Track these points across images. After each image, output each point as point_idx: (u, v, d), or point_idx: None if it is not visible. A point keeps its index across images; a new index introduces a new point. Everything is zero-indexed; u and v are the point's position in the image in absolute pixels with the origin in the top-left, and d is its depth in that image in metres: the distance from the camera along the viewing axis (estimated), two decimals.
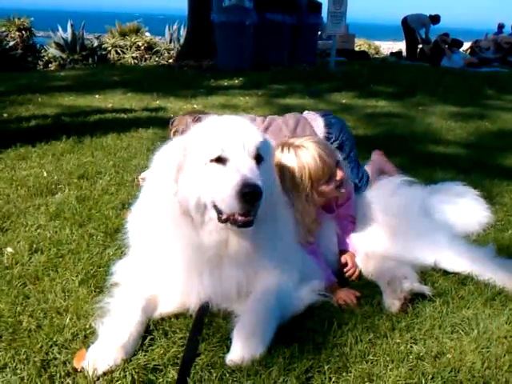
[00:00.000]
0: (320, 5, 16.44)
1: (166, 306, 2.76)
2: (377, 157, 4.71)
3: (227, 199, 2.50)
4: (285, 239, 2.92)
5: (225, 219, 2.60)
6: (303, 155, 3.06)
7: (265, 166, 2.72)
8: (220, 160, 2.59)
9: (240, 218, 2.55)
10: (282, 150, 3.11)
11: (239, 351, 2.41)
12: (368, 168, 4.37)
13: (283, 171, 3.03)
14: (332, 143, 3.91)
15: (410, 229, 3.45)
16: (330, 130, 4.05)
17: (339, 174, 3.17)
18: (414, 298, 2.97)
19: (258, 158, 2.67)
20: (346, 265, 3.34)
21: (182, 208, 2.65)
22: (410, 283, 3.00)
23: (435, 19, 19.87)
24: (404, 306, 2.88)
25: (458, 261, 3.32)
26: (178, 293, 2.75)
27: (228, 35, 13.69)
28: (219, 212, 2.60)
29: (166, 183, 2.67)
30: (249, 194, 2.46)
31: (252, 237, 2.71)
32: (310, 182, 3.07)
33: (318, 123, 4.06)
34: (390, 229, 3.45)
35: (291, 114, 4.33)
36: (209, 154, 2.60)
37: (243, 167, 2.55)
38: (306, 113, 4.34)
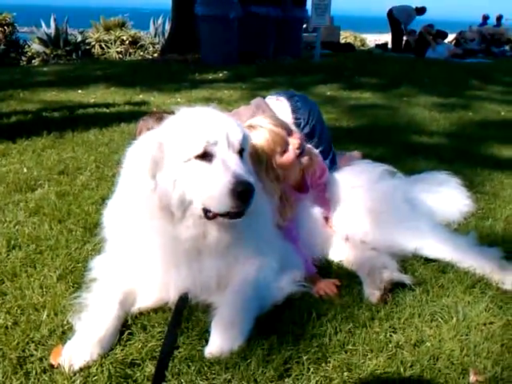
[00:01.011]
0: None
1: (145, 300, 2.73)
2: (354, 155, 4.65)
3: (219, 198, 2.47)
4: (264, 228, 2.90)
5: (212, 215, 2.57)
6: (254, 133, 3.05)
7: (245, 158, 2.72)
8: (205, 156, 2.55)
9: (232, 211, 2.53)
10: None
11: (217, 343, 2.40)
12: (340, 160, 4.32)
13: None
14: (302, 129, 3.87)
15: (392, 215, 3.46)
16: (297, 115, 3.97)
17: (295, 142, 3.16)
18: (394, 287, 2.97)
19: (241, 152, 2.67)
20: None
21: (160, 203, 2.60)
22: (390, 273, 3.00)
23: (421, 10, 19.91)
24: (384, 295, 2.88)
25: (439, 248, 3.33)
26: (156, 286, 2.73)
27: (212, 28, 13.60)
28: (207, 210, 2.58)
29: (141, 179, 2.60)
30: (243, 192, 2.45)
31: (231, 228, 2.68)
32: (266, 156, 3.05)
33: (283, 108, 3.98)
34: (371, 214, 3.45)
35: (255, 100, 4.19)
36: (193, 149, 2.54)
37: (231, 164, 2.53)
38: (269, 96, 4.22)
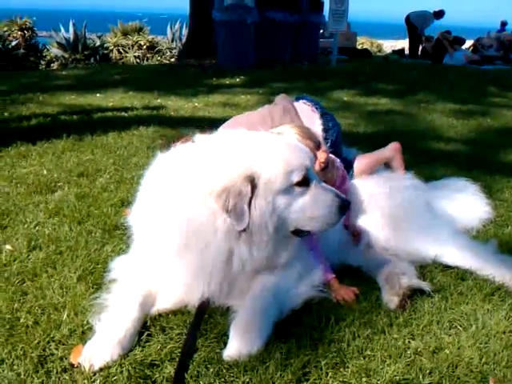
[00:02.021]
0: (322, 3, 16.50)
1: (165, 302, 2.74)
2: (390, 150, 4.39)
3: (328, 216, 2.72)
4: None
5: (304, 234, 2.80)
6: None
7: None
8: (304, 182, 2.66)
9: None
10: None
11: (236, 346, 2.41)
12: (370, 156, 4.15)
13: None
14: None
15: (412, 222, 3.47)
16: (327, 134, 3.96)
17: (322, 156, 3.19)
18: (413, 293, 2.95)
19: None
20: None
21: (250, 230, 2.59)
22: (409, 279, 2.99)
23: (439, 14, 19.76)
24: (402, 302, 2.87)
25: (459, 255, 3.32)
26: (180, 289, 2.73)
27: (229, 34, 13.69)
28: (299, 230, 2.75)
29: (212, 211, 2.55)
30: (345, 208, 2.78)
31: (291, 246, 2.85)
32: None
33: (315, 124, 3.96)
34: (392, 221, 3.45)
35: (281, 100, 4.11)
36: (293, 178, 2.62)
37: (326, 185, 2.80)
38: (302, 102, 4.17)
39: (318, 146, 3.25)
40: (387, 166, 4.14)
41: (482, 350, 2.52)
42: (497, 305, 2.91)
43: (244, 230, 2.57)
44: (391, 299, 2.89)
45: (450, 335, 2.63)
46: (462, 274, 3.24)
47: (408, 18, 19.98)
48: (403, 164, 4.11)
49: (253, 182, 2.54)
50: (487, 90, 11.32)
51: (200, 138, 2.92)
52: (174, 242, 2.66)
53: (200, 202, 2.57)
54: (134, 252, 2.97)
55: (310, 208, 2.67)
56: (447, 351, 2.50)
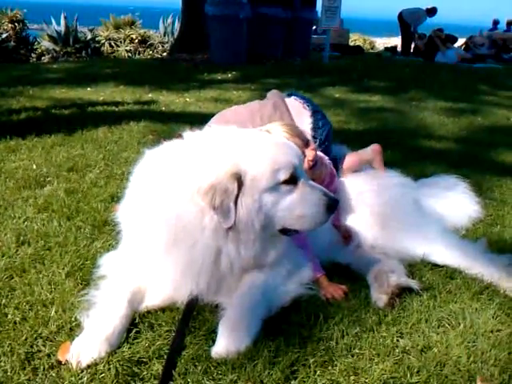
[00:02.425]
0: None
1: (154, 299, 2.73)
2: (371, 152, 4.47)
3: (316, 215, 2.69)
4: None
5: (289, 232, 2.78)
6: None
7: None
8: (291, 180, 2.64)
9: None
10: None
11: (224, 344, 2.40)
12: (354, 156, 4.19)
13: None
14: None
15: (401, 220, 3.48)
16: (315, 133, 3.93)
17: (310, 154, 3.19)
18: (402, 292, 2.96)
19: None
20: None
21: (236, 227, 2.58)
22: (397, 277, 3.00)
23: (431, 11, 19.77)
24: (391, 300, 2.88)
25: (448, 254, 3.33)
26: (169, 286, 2.72)
27: (221, 28, 13.61)
28: (286, 229, 2.73)
29: (197, 208, 2.54)
30: (334, 206, 2.74)
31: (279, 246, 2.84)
32: None
33: (304, 122, 3.94)
34: (381, 219, 3.46)
35: (272, 95, 4.12)
36: (280, 176, 2.60)
37: (314, 183, 2.78)
38: (293, 98, 4.12)
39: (306, 144, 3.26)
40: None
41: (469, 348, 2.53)
42: (485, 303, 2.92)
43: (231, 228, 2.57)
44: (380, 297, 2.90)
45: (438, 334, 2.64)
46: (451, 273, 3.25)
47: (401, 15, 20.00)
48: (383, 166, 4.12)
49: (239, 180, 2.53)
50: (478, 89, 11.36)
51: (189, 134, 2.91)
52: (161, 238, 2.64)
53: (188, 199, 2.56)
54: (122, 248, 2.95)
55: (297, 207, 2.65)
56: (435, 350, 2.51)
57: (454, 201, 4.02)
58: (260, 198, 2.58)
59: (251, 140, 2.73)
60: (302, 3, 15.58)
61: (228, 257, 2.64)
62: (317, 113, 4.03)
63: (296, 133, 3.23)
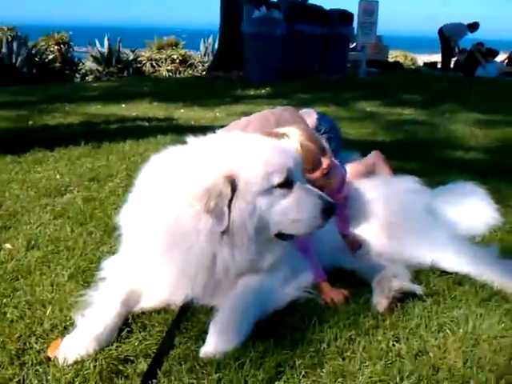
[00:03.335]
0: (352, 16, 16.41)
1: (149, 301, 2.75)
2: (373, 157, 4.44)
3: (311, 219, 2.64)
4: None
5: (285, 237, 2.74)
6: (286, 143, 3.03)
7: None
8: (286, 183, 2.62)
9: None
10: None
11: (213, 344, 2.39)
12: (358, 164, 4.17)
13: None
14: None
15: (410, 227, 3.40)
16: (320, 122, 3.97)
17: (325, 162, 3.15)
18: (405, 297, 2.88)
19: None
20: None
21: (230, 232, 2.58)
22: (400, 282, 2.92)
23: (473, 26, 19.46)
24: (391, 305, 2.80)
25: (457, 260, 3.23)
26: (164, 290, 2.73)
27: (257, 46, 13.79)
28: (282, 234, 2.71)
29: (194, 211, 2.56)
30: (330, 210, 2.66)
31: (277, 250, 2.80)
32: None
33: (311, 117, 3.98)
34: (390, 226, 3.40)
35: (285, 107, 4.21)
36: (274, 179, 2.59)
37: (309, 187, 2.72)
38: (304, 110, 4.25)
39: (323, 152, 3.22)
40: None
41: (467, 354, 2.43)
42: (491, 310, 2.81)
43: (225, 232, 2.56)
44: (380, 302, 2.82)
45: (436, 339, 2.54)
46: (460, 280, 3.14)
47: (441, 30, 19.75)
48: (388, 169, 4.07)
49: (233, 183, 2.53)
50: None
51: (191, 140, 2.94)
52: (158, 242, 2.67)
53: (184, 203, 2.58)
54: (122, 251, 2.98)
55: (291, 210, 2.62)
56: (431, 354, 2.43)
57: (471, 208, 3.89)
58: (254, 201, 2.57)
59: (247, 144, 2.74)
60: (338, 20, 15.62)
61: (223, 261, 2.63)
62: (323, 119, 4.05)
63: (312, 139, 3.21)
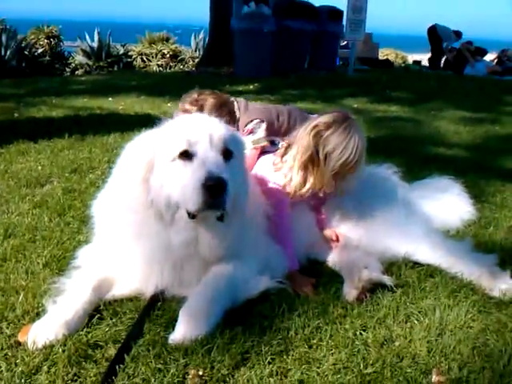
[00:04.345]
0: (341, 13, 16.42)
1: (121, 289, 2.79)
2: None
3: (192, 194, 2.49)
4: (249, 232, 2.92)
5: (193, 215, 2.59)
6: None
7: (234, 163, 2.72)
8: (187, 155, 2.59)
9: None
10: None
11: (182, 331, 2.43)
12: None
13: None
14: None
15: (385, 220, 3.41)
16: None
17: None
18: (374, 287, 2.92)
19: (227, 154, 2.67)
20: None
21: (153, 206, 2.64)
22: (369, 273, 2.96)
23: (458, 35, 19.76)
24: (361, 295, 2.85)
25: (431, 253, 3.28)
26: (135, 278, 2.78)
27: (246, 42, 13.76)
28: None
29: (134, 182, 2.67)
30: (213, 187, 2.45)
31: (222, 235, 2.71)
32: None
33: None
34: (365, 219, 3.42)
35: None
36: (176, 149, 2.59)
37: (209, 162, 2.56)
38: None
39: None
40: None
41: (432, 343, 2.48)
42: (460, 301, 2.86)
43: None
44: (350, 291, 2.87)
45: (402, 328, 2.59)
46: (432, 271, 3.19)
47: (434, 29, 19.78)
48: None
49: (151, 161, 2.63)
50: (502, 99, 11.13)
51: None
52: (127, 231, 2.75)
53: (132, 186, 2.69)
54: (96, 240, 3.01)
55: (182, 183, 2.55)
56: (396, 343, 2.48)
57: (446, 202, 3.94)
58: (161, 175, 2.61)
59: (173, 121, 2.81)
60: (327, 17, 15.64)
61: (173, 243, 2.66)
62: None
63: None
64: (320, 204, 3.49)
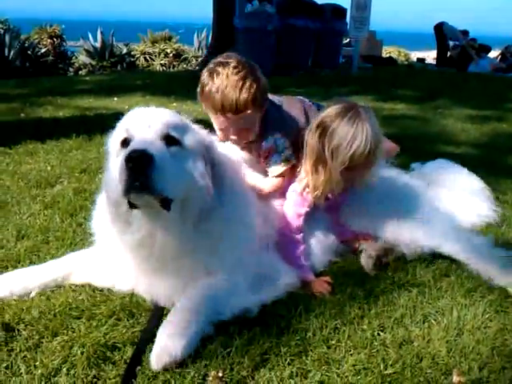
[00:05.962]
0: (345, 10, 16.39)
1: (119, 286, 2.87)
2: None
3: (119, 175, 2.28)
4: (233, 241, 2.72)
5: (131, 203, 2.39)
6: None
7: (181, 152, 2.50)
8: (127, 143, 2.42)
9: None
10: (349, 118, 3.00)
11: (159, 352, 2.26)
12: None
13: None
14: None
15: (410, 214, 3.36)
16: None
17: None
18: (387, 253, 3.12)
19: (169, 140, 2.46)
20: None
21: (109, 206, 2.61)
22: (382, 243, 3.11)
23: (465, 34, 19.69)
24: (377, 261, 3.03)
25: (457, 247, 3.25)
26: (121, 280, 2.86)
27: (250, 40, 13.72)
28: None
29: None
30: (135, 161, 2.20)
31: (178, 233, 2.52)
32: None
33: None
34: (394, 214, 3.37)
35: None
36: (118, 140, 2.50)
37: (140, 141, 2.37)
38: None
39: None
40: None
41: (451, 343, 2.48)
42: (476, 300, 2.85)
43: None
44: (366, 261, 3.04)
45: (421, 328, 2.59)
46: (447, 271, 3.18)
47: (441, 26, 19.72)
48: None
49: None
50: (508, 97, 11.08)
51: None
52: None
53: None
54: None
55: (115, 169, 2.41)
56: (415, 344, 2.48)
57: (466, 197, 3.97)
58: (111, 170, 2.53)
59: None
60: (331, 14, 15.60)
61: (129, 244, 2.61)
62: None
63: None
64: (337, 206, 3.43)
